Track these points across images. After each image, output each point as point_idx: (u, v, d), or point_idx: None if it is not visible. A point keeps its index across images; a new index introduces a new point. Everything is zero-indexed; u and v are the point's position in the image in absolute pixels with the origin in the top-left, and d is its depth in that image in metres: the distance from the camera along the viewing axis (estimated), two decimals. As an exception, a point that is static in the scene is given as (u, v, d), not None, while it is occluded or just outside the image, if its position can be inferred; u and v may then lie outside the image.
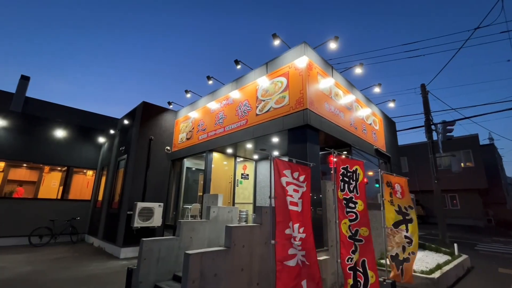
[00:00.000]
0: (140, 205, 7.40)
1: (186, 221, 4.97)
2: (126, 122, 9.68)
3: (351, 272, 3.56)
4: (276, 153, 8.07)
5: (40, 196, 10.33)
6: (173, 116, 9.72)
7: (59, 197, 10.45)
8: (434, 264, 5.74)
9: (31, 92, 10.62)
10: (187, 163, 9.23)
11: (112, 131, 10.69)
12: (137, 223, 7.25)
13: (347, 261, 3.58)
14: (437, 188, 9.89)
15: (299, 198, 3.40)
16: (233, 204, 8.43)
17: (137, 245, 4.56)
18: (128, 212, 7.68)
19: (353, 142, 6.67)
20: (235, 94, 6.98)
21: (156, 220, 7.62)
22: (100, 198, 10.34)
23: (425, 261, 6.36)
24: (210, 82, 8.26)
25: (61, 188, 10.65)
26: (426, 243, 8.41)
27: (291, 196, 3.33)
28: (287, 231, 3.14)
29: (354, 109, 7.15)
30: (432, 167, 10.09)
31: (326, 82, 5.99)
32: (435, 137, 10.58)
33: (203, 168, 8.06)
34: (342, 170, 3.95)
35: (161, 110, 9.41)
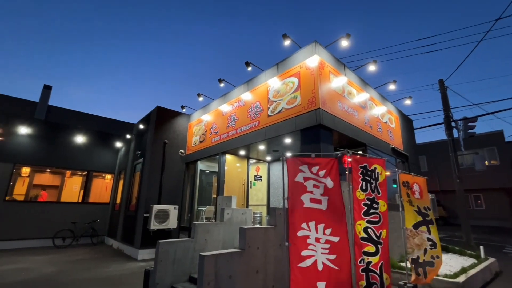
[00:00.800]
0: (156, 207, 7.54)
1: (200, 223, 5.01)
2: (141, 126, 9.94)
3: (364, 273, 3.45)
4: (289, 154, 7.99)
5: (62, 199, 10.78)
6: (186, 120, 9.88)
7: (80, 200, 10.87)
8: (459, 268, 5.46)
9: (52, 100, 11.18)
10: (201, 165, 9.33)
11: (128, 136, 11.01)
12: (154, 225, 7.39)
13: (360, 262, 3.47)
14: (459, 188, 9.45)
15: (321, 195, 3.17)
16: (247, 206, 8.43)
17: (154, 247, 4.64)
18: (144, 215, 7.86)
19: (368, 141, 6.50)
20: (247, 96, 7.00)
21: (172, 222, 7.74)
22: (118, 201, 10.65)
23: (448, 264, 6.06)
24: (222, 85, 8.34)
25: (82, 191, 11.07)
26: (449, 245, 8.03)
27: (311, 192, 3.15)
28: (300, 233, 3.07)
29: (368, 107, 6.98)
30: (453, 165, 9.66)
31: (339, 81, 5.89)
32: (455, 135, 10.14)
33: (216, 170, 8.12)
34: (361, 169, 3.82)
35: (175, 114, 9.60)
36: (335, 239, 3.10)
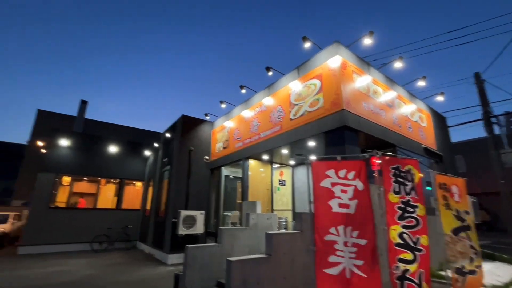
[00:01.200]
0: (184, 213, 7.75)
1: (227, 228, 5.06)
2: (168, 135, 10.35)
3: (398, 281, 3.23)
4: (313, 157, 7.85)
5: (98, 206, 11.49)
6: (210, 127, 10.12)
7: (114, 207, 11.51)
8: (508, 278, 4.94)
9: (87, 114, 12.09)
10: (225, 171, 9.46)
11: (156, 145, 11.52)
12: (182, 230, 7.59)
13: (394, 270, 3.26)
14: (504, 189, 8.61)
15: (350, 199, 3.16)
16: (272, 211, 8.37)
17: (183, 252, 4.76)
18: (173, 220, 8.10)
19: (397, 141, 6.19)
20: (268, 101, 7.01)
21: (199, 228, 7.90)
22: (148, 207, 11.12)
23: (496, 273, 5.51)
24: (243, 91, 8.44)
25: (116, 198, 11.72)
26: (496, 253, 7.30)
27: (339, 198, 3.13)
28: (328, 237, 2.98)
29: (396, 106, 6.66)
30: (496, 165, 8.84)
31: (363, 80, 5.69)
32: (497, 131, 9.30)
33: (240, 175, 8.18)
34: (393, 171, 3.61)
35: (199, 122, 9.88)
36: (362, 242, 3.01)
